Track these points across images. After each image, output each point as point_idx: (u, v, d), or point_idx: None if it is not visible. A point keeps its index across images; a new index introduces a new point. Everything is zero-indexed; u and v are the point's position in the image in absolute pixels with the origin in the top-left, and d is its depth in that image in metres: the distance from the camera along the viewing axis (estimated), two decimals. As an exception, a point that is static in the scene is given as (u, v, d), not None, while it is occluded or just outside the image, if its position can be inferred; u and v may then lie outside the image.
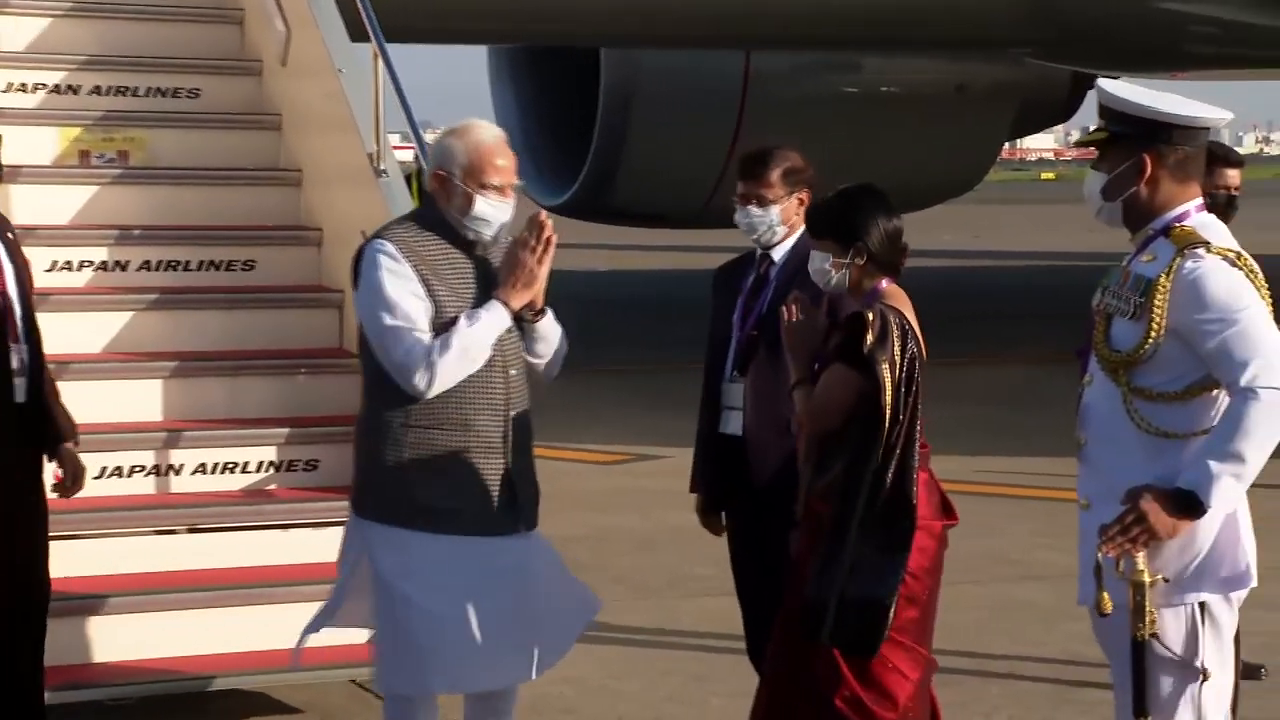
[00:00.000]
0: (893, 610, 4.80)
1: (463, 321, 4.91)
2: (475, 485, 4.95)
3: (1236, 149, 7.33)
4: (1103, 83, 4.37)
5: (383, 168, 6.97)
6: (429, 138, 6.93)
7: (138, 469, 6.65)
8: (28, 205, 7.20)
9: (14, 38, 8.11)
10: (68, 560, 5.97)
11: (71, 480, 5.68)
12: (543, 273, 5.00)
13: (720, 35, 16.81)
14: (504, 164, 5.04)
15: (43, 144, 7.69)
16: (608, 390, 14.32)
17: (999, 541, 9.25)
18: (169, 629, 6.28)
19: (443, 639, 4.92)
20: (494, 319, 4.94)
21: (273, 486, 6.76)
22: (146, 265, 7.31)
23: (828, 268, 4.99)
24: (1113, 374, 4.28)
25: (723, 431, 5.72)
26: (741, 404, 5.65)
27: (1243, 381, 4.10)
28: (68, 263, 7.20)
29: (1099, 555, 4.18)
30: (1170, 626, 4.25)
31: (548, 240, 4.98)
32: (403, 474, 4.93)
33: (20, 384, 5.54)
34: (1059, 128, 38.16)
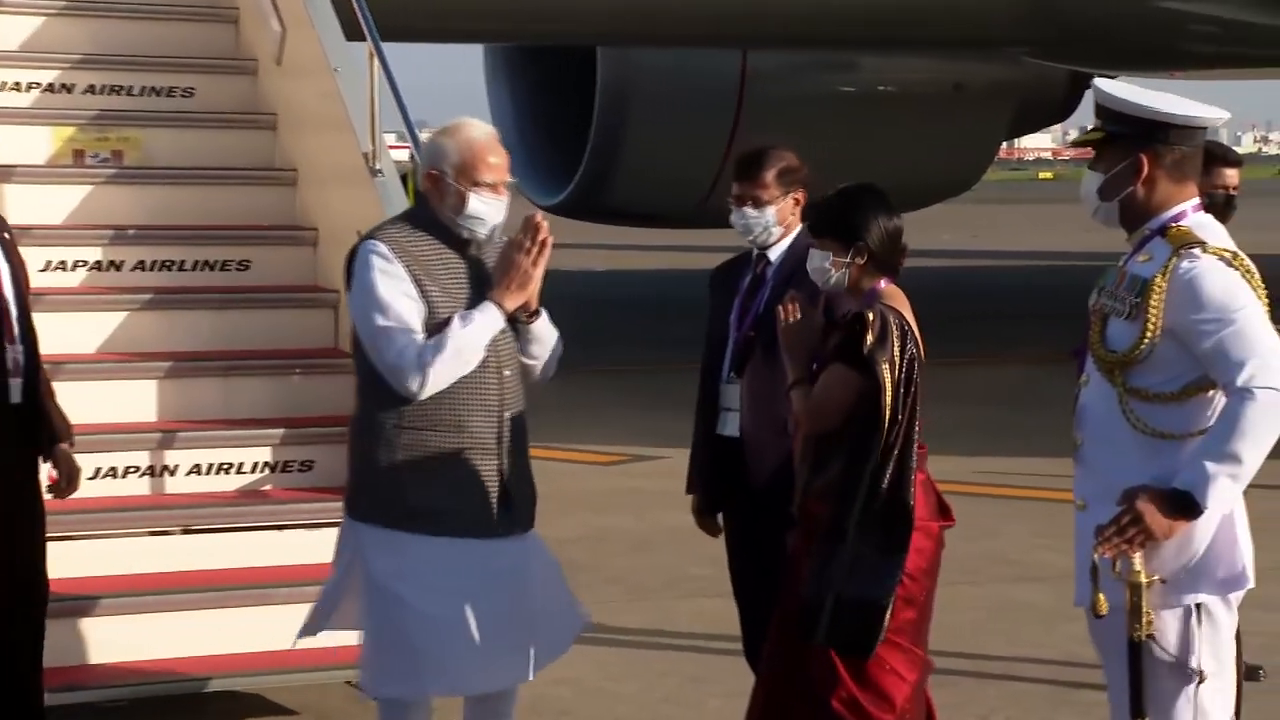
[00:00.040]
0: (889, 611, 4.79)
1: (456, 322, 4.88)
2: (469, 487, 4.93)
3: (1235, 148, 7.30)
4: (1099, 82, 4.36)
5: (378, 167, 6.95)
6: (425, 137, 6.91)
7: (132, 470, 6.63)
8: (21, 205, 7.18)
9: (7, 36, 8.08)
10: (62, 561, 5.94)
11: (66, 482, 5.69)
12: (537, 275, 4.98)
13: (717, 34, 16.79)
14: (496, 161, 5.02)
15: (36, 143, 7.67)
16: (605, 390, 14.30)
17: (997, 542, 9.24)
18: (164, 630, 6.26)
19: (436, 641, 4.89)
20: (487, 320, 4.91)
21: (268, 487, 6.75)
22: (141, 265, 7.29)
23: (827, 266, 4.98)
24: (1109, 375, 4.27)
25: (720, 433, 5.71)
26: (738, 405, 5.63)
27: (1239, 382, 4.09)
28: (62, 263, 7.18)
29: (1095, 556, 4.17)
30: (1167, 628, 4.23)
31: (543, 242, 4.96)
32: (396, 475, 4.91)
33: (16, 385, 5.54)
34: (1057, 127, 38.20)
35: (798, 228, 5.65)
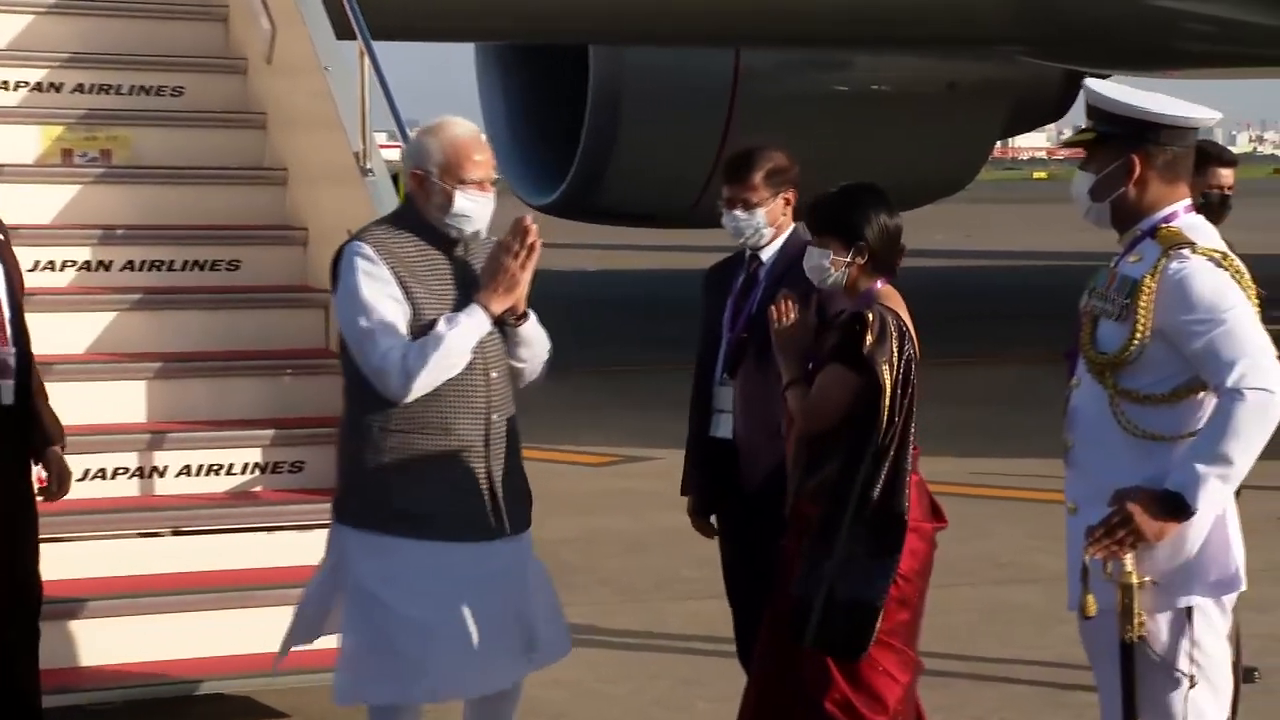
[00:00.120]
0: (882, 613, 4.78)
1: (441, 325, 4.85)
2: (455, 490, 4.90)
3: (1230, 148, 7.29)
4: (1090, 83, 4.34)
5: (369, 166, 6.93)
6: (415, 136, 6.89)
7: (121, 471, 6.61)
8: (9, 205, 7.11)
9: (-4, 34, 8.06)
10: (51, 563, 5.91)
11: (57, 485, 5.68)
12: (525, 278, 4.94)
13: (710, 33, 16.77)
14: (481, 159, 4.99)
15: (24, 142, 7.65)
16: (597, 391, 14.28)
17: (991, 544, 9.22)
18: (153, 632, 6.24)
19: (418, 645, 4.85)
20: (473, 323, 4.88)
21: (258, 488, 6.72)
22: (130, 265, 7.27)
23: (826, 265, 4.96)
24: (1099, 376, 4.25)
25: (713, 435, 5.68)
26: (731, 407, 5.61)
27: (1229, 382, 4.08)
28: (50, 263, 7.16)
29: (1085, 558, 4.15)
30: (1160, 630, 4.22)
31: (531, 245, 4.92)
32: (383, 478, 4.88)
33: (8, 386, 5.53)
34: (1051, 126, 38.24)
35: (790, 228, 5.63)
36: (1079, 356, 4.33)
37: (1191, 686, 4.21)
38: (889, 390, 4.80)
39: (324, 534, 5.25)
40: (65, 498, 5.74)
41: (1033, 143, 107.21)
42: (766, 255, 5.63)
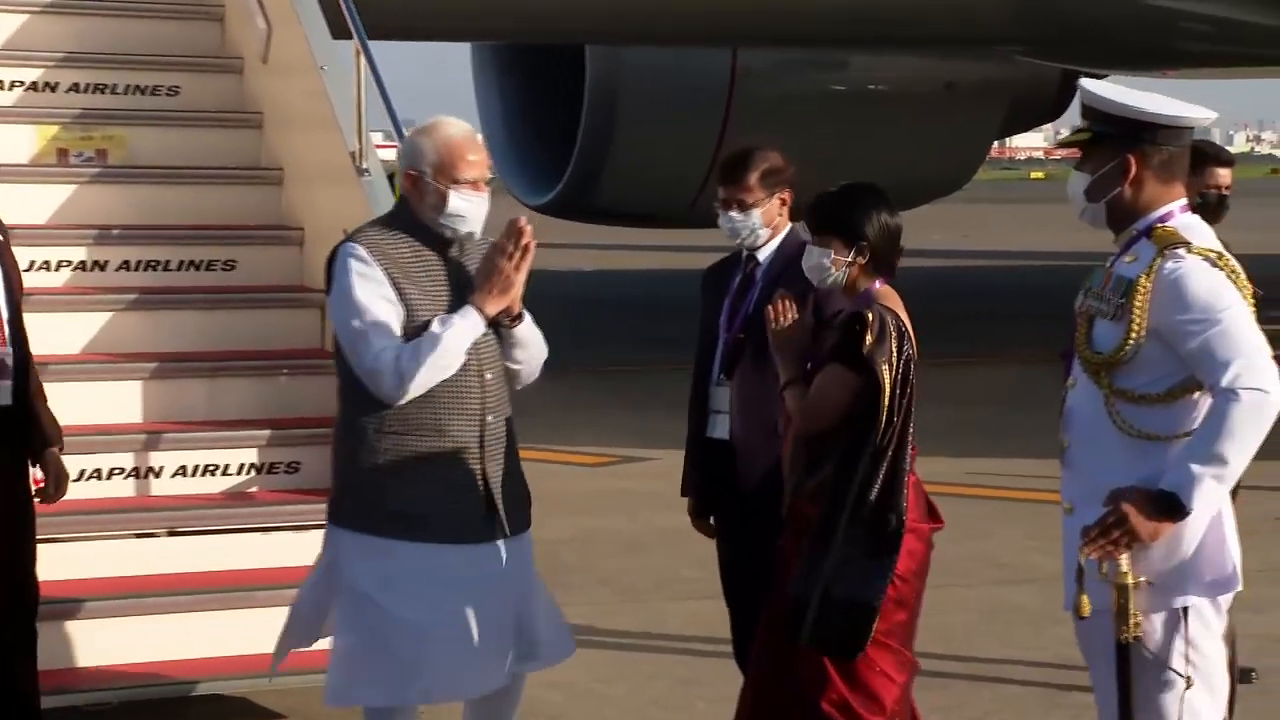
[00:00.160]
0: (878, 613, 4.77)
1: (435, 326, 4.83)
2: (449, 492, 4.89)
3: (1227, 148, 7.29)
4: (1085, 83, 4.33)
5: (365, 166, 6.92)
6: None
7: (117, 471, 6.60)
8: (5, 205, 7.10)
9: (-10, 34, 8.05)
10: (46, 563, 5.90)
11: (54, 486, 5.67)
12: (520, 279, 4.93)
13: (707, 32, 16.76)
14: (475, 158, 4.98)
15: (20, 142, 7.64)
16: (594, 391, 14.28)
17: (989, 544, 9.21)
18: (150, 633, 6.23)
19: (411, 647, 4.84)
20: (468, 325, 4.86)
21: (254, 489, 6.71)
22: (126, 265, 7.26)
23: (826, 264, 4.95)
24: (1095, 376, 4.24)
25: (710, 435, 5.67)
26: (728, 408, 5.60)
27: (1224, 382, 4.07)
28: (45, 263, 7.14)
29: (1080, 558, 4.14)
30: (1156, 630, 4.21)
31: (526, 246, 4.91)
32: (377, 479, 4.87)
33: (6, 387, 5.53)
34: (1048, 126, 38.18)
35: (786, 228, 5.62)
36: (1075, 356, 4.32)
37: (1188, 687, 4.21)
38: (888, 390, 4.79)
39: (320, 534, 5.24)
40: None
41: (1030, 142, 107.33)
42: (763, 255, 5.62)
